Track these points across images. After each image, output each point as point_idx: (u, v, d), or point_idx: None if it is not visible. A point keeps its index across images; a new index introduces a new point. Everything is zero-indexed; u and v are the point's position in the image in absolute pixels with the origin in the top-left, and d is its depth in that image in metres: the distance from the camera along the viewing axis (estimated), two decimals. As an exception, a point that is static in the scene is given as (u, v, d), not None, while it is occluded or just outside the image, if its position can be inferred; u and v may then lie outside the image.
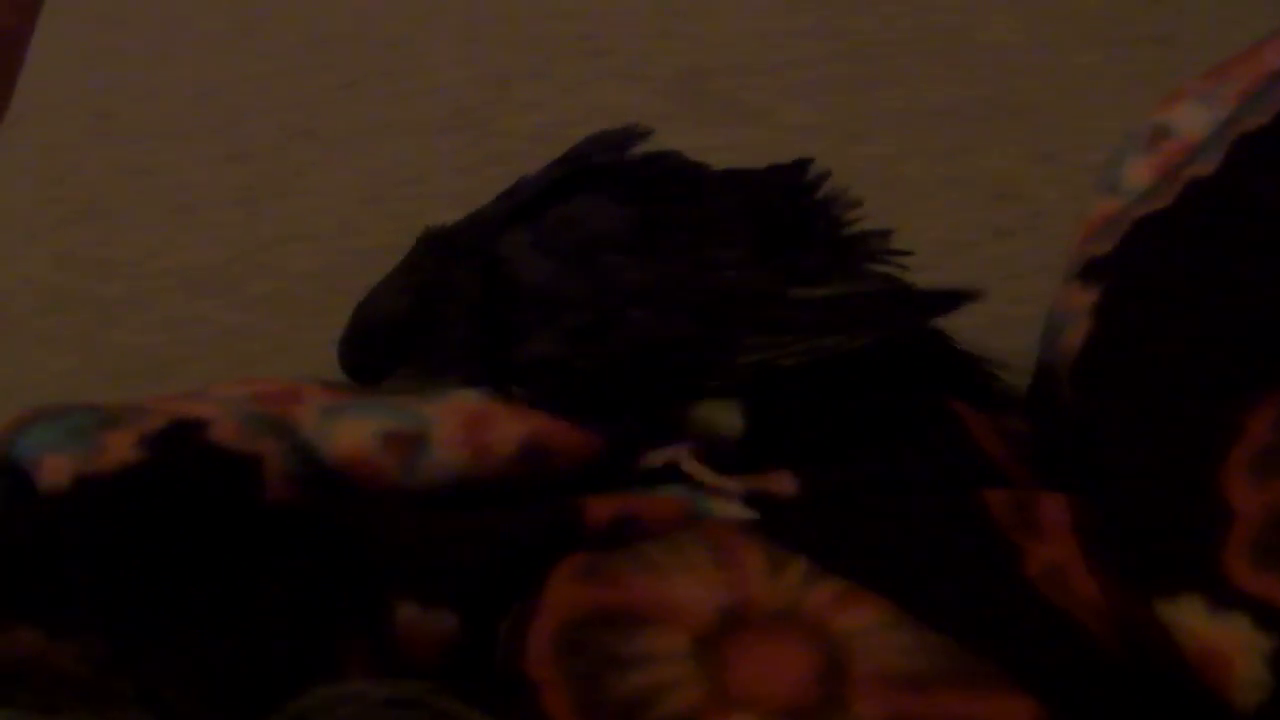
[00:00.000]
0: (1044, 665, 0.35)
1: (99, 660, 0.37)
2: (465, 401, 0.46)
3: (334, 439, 0.43)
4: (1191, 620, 0.36)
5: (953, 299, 0.48)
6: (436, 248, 0.51)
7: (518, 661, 0.35)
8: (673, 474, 0.45)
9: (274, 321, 0.61)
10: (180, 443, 0.42)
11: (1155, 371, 0.43)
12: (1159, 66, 0.66)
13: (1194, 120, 0.53)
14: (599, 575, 0.36)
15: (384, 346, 0.50)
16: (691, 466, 0.43)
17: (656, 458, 0.45)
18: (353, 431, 0.43)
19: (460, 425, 0.44)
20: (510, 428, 0.44)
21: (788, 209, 0.50)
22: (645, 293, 0.47)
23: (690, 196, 0.50)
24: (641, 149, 0.52)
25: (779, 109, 0.66)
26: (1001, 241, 0.61)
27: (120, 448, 0.41)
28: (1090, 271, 0.49)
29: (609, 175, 0.50)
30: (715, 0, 0.71)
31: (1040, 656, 0.35)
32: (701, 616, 0.35)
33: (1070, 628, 0.38)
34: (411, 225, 0.62)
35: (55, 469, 0.40)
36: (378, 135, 0.67)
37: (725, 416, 0.47)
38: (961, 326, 0.52)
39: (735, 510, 0.42)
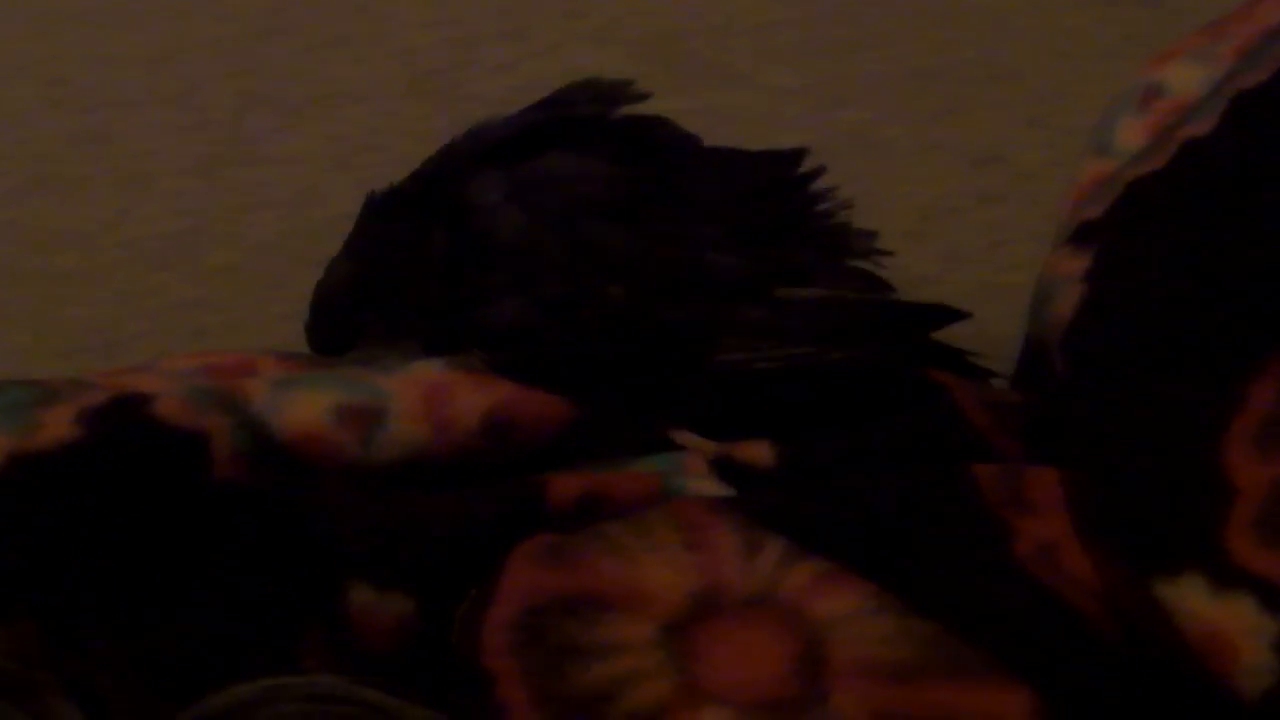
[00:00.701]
0: (1037, 652, 0.33)
1: (30, 649, 0.35)
2: (425, 373, 0.43)
3: (286, 414, 0.41)
4: (1192, 601, 0.34)
5: (939, 316, 0.46)
6: (385, 207, 0.49)
7: (472, 651, 0.33)
8: (646, 446, 0.42)
9: (233, 294, 0.58)
10: (121, 419, 0.39)
11: (1151, 340, 0.41)
12: (1148, 28, 0.65)
13: (1188, 79, 0.51)
14: (560, 558, 0.34)
15: (338, 320, 0.48)
16: (682, 436, 0.41)
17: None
18: (306, 406, 0.41)
19: (420, 398, 0.42)
20: (472, 400, 0.42)
21: (777, 199, 0.48)
22: (625, 267, 0.45)
23: (679, 169, 0.48)
24: (631, 110, 0.50)
25: (759, 72, 0.64)
26: (987, 207, 0.60)
27: (57, 425, 0.39)
28: (1081, 236, 0.47)
29: (595, 131, 0.48)
30: (692, -40, 0.69)
31: (1033, 643, 0.33)
32: (670, 602, 0.32)
33: (1063, 610, 0.36)
34: (375, 193, 0.60)
35: (-11, 447, 0.38)
36: (339, 101, 0.64)
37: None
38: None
39: (710, 487, 0.40)
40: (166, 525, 0.39)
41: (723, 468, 0.41)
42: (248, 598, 0.38)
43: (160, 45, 0.67)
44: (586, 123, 0.49)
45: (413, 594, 0.37)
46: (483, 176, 0.47)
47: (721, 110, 0.62)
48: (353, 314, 0.48)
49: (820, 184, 0.49)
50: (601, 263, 0.45)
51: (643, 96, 0.50)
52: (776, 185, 0.49)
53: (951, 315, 0.47)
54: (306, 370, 0.45)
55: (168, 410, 0.40)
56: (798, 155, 0.50)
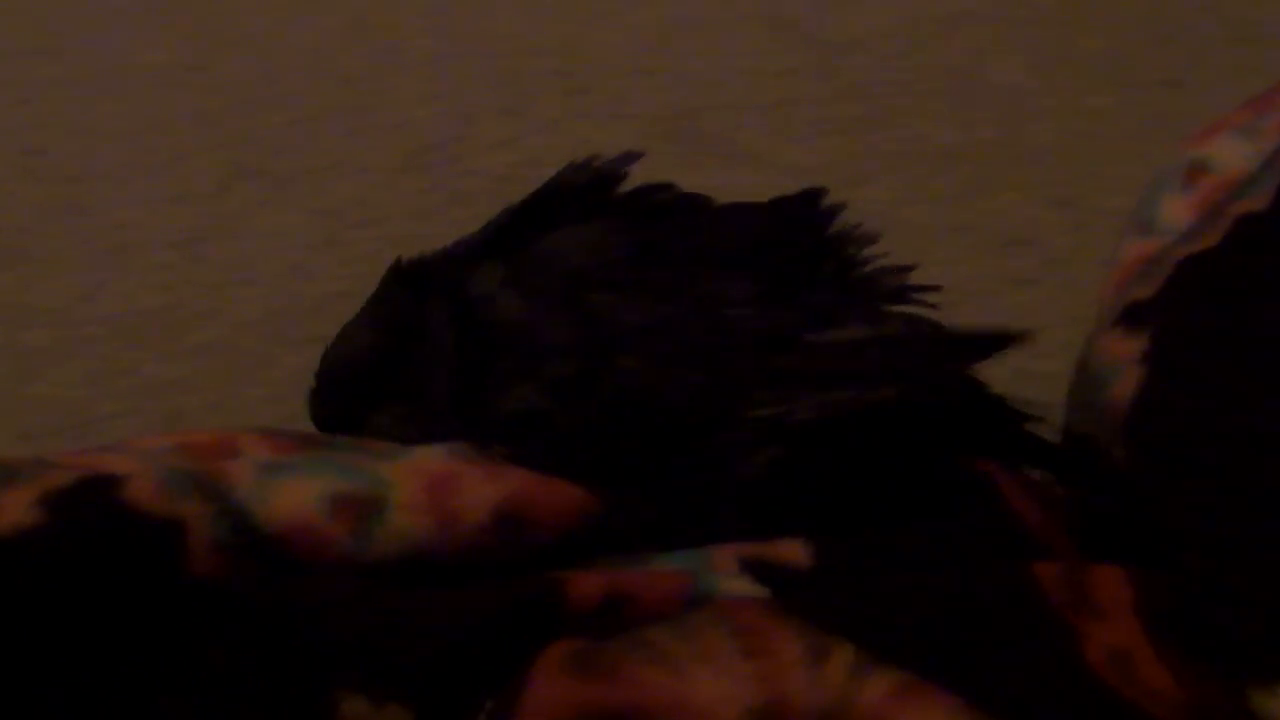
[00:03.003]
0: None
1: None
2: (429, 461, 0.39)
3: (272, 502, 0.37)
4: None
5: (994, 342, 0.42)
6: (406, 281, 0.45)
7: (493, 775, 0.28)
8: (672, 540, 0.38)
9: (212, 374, 0.55)
10: (87, 504, 0.35)
11: (1226, 425, 0.37)
12: (1171, 110, 0.63)
13: (1234, 154, 0.49)
14: (594, 668, 0.30)
15: (353, 391, 0.45)
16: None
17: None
18: (295, 494, 0.37)
19: (423, 488, 0.38)
20: (482, 491, 0.38)
21: (797, 243, 0.44)
22: (638, 337, 0.41)
23: (688, 228, 0.44)
24: (633, 182, 0.46)
25: (773, 150, 0.61)
26: (1019, 291, 0.57)
27: (15, 508, 0.35)
28: (1133, 316, 0.44)
29: (595, 205, 0.45)
30: (702, 37, 0.67)
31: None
32: (728, 718, 0.28)
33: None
34: (367, 270, 0.57)
35: (-62, 533, 0.34)
36: (332, 174, 0.61)
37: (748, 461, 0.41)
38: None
39: (743, 587, 0.36)
40: (136, 626, 0.35)
41: (755, 568, 0.37)
42: (225, 708, 0.34)
43: (145, 116, 0.65)
44: (585, 200, 0.45)
45: (412, 707, 0.32)
46: (482, 268, 0.43)
47: (735, 190, 0.59)
48: (368, 386, 0.44)
49: (841, 223, 0.46)
50: (609, 335, 0.42)
51: (637, 156, 0.46)
52: (795, 229, 0.46)
53: (1004, 340, 0.41)
54: (296, 452, 0.41)
55: (140, 495, 0.36)
56: (815, 195, 0.46)
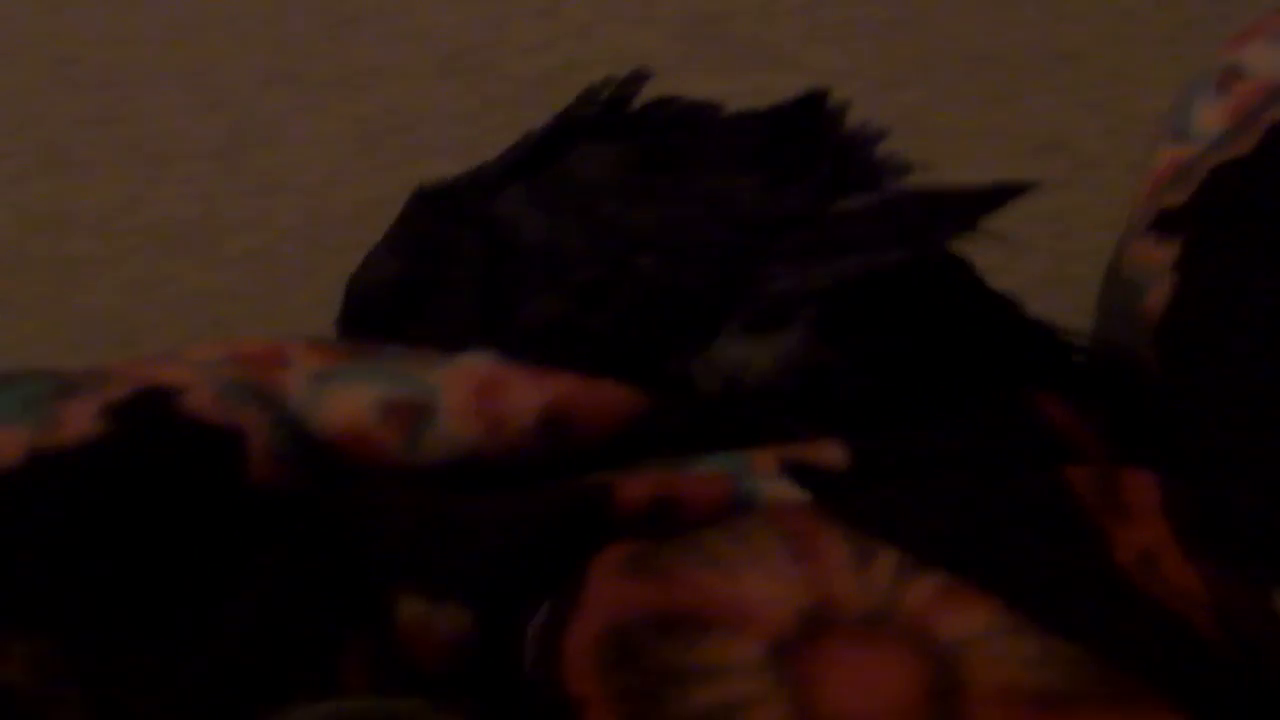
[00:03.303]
0: (1171, 672, 0.30)
1: (51, 664, 0.32)
2: (477, 366, 0.40)
3: (326, 410, 0.38)
4: None
5: (996, 196, 0.41)
6: (431, 205, 0.46)
7: (554, 673, 0.30)
8: (713, 439, 0.39)
9: (254, 282, 0.56)
10: (149, 414, 0.36)
11: (1258, 331, 0.38)
12: (1209, 11, 0.62)
13: (1270, 60, 0.49)
14: (650, 570, 0.31)
15: (381, 316, 0.46)
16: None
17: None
18: (348, 401, 0.38)
19: (471, 393, 0.39)
20: (528, 395, 0.39)
21: (801, 142, 0.44)
22: (651, 237, 0.42)
23: (695, 136, 0.45)
24: (660, 88, 0.47)
25: (804, 53, 0.61)
26: (1049, 196, 0.56)
27: (79, 419, 0.36)
28: (1166, 224, 0.44)
29: (607, 124, 0.45)
30: (733, -63, 0.66)
31: (1166, 661, 0.30)
32: (778, 620, 0.29)
33: (1176, 625, 0.33)
34: (404, 176, 0.57)
35: (6, 443, 0.35)
36: (367, 80, 0.61)
37: (758, 352, 0.42)
38: (1010, 287, 0.47)
39: (783, 489, 0.37)
40: (198, 530, 0.36)
41: (794, 470, 0.38)
42: (285, 609, 0.35)
43: (176, 21, 0.64)
44: (598, 119, 0.46)
45: (469, 606, 0.34)
46: (506, 192, 0.44)
47: (767, 93, 0.59)
48: (395, 314, 0.45)
49: (853, 123, 0.46)
50: (625, 240, 0.43)
51: (648, 77, 0.47)
52: (804, 128, 0.46)
53: (1010, 191, 0.41)
54: (345, 361, 0.42)
55: (199, 405, 0.37)
56: (819, 97, 0.46)
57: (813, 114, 0.46)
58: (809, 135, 0.45)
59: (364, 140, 0.60)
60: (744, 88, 0.60)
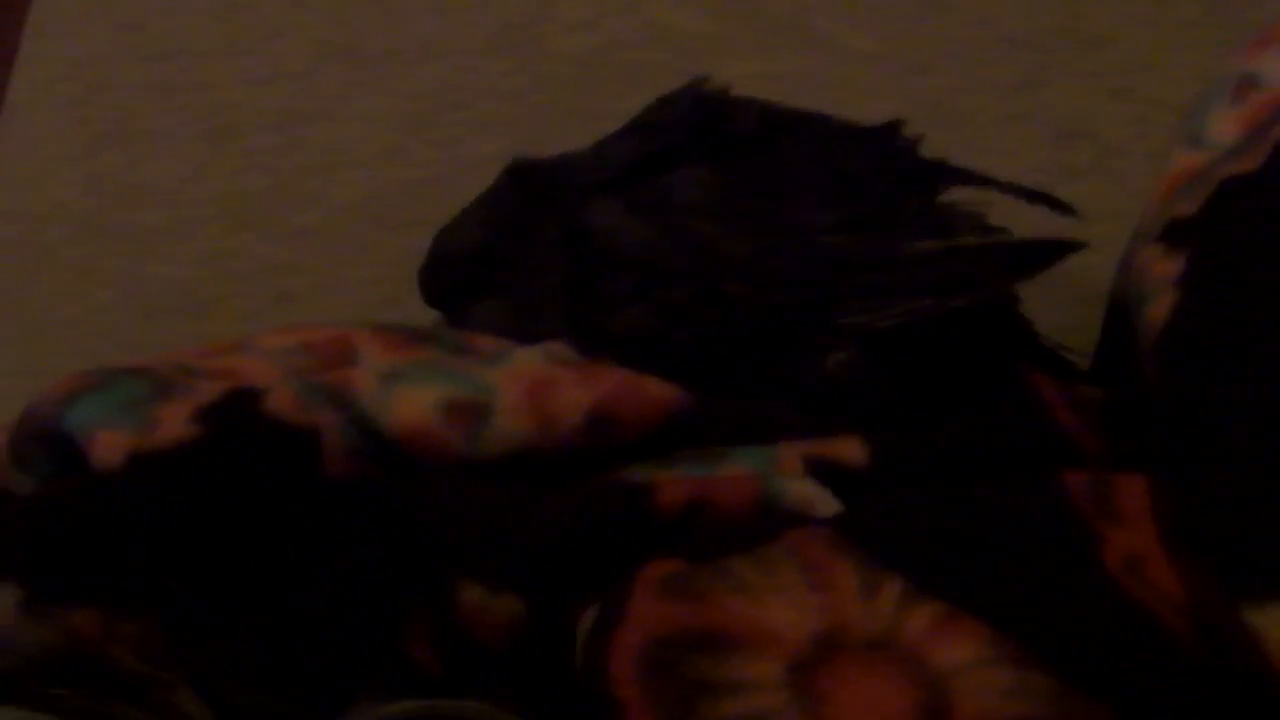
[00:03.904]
0: (1133, 680, 0.34)
1: (155, 647, 0.36)
2: (529, 366, 0.44)
3: (394, 409, 0.42)
4: None
5: (1056, 250, 0.47)
6: (521, 183, 0.50)
7: (600, 677, 0.34)
8: (746, 433, 0.43)
9: (316, 257, 0.59)
10: (237, 416, 0.40)
11: (1247, 354, 0.41)
12: (1238, -3, 0.63)
13: (1283, 70, 0.50)
14: (687, 592, 0.35)
15: (461, 278, 0.50)
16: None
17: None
18: (413, 401, 0.42)
19: (524, 393, 0.43)
20: (576, 395, 0.43)
21: (882, 176, 0.48)
22: (742, 265, 0.46)
23: (780, 160, 0.48)
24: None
25: (838, 34, 0.63)
26: (1071, 182, 0.59)
27: (174, 422, 0.40)
28: (1174, 234, 0.47)
29: (692, 140, 0.49)
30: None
31: (1127, 669, 0.34)
32: (795, 642, 0.34)
33: (1151, 627, 0.37)
34: (457, 154, 0.60)
35: (109, 445, 0.39)
36: (418, 56, 0.64)
37: (813, 366, 0.46)
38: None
39: (807, 489, 0.41)
40: (282, 522, 0.40)
41: (816, 467, 0.42)
42: (360, 595, 0.39)
43: (233, -8, 0.67)
44: (683, 133, 0.49)
45: (523, 597, 0.38)
46: (597, 202, 0.48)
47: (801, 75, 0.62)
48: (475, 277, 0.49)
49: (925, 153, 0.50)
50: (717, 263, 0.46)
51: (726, 90, 0.50)
52: (881, 164, 0.49)
53: (1066, 248, 0.47)
54: (407, 353, 0.45)
55: (281, 406, 0.41)
56: (895, 127, 0.50)
57: (890, 143, 0.50)
58: (885, 166, 0.49)
59: (418, 117, 0.62)
60: (782, 68, 0.63)
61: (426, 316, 0.51)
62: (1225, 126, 0.50)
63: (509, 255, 0.49)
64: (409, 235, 0.54)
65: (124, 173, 0.62)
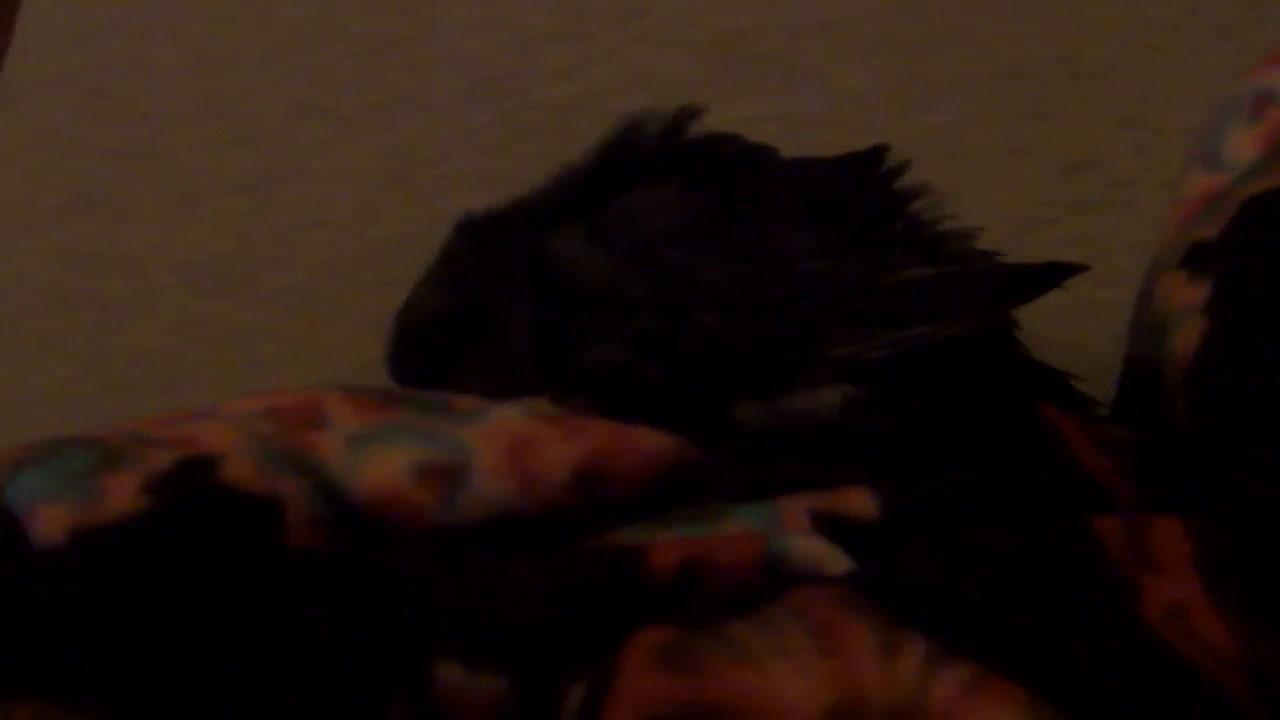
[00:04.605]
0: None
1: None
2: (508, 423, 0.41)
3: (363, 474, 0.38)
4: None
5: (1055, 274, 0.43)
6: (477, 237, 0.47)
7: (589, 762, 0.30)
8: (749, 488, 0.40)
9: (290, 320, 0.56)
10: (190, 486, 0.37)
11: (1289, 382, 0.38)
12: (1240, 19, 0.61)
13: (1304, 84, 0.48)
14: (682, 664, 0.31)
15: (430, 350, 0.47)
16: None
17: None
18: (383, 465, 0.39)
19: (504, 452, 0.40)
20: (561, 451, 0.40)
21: (862, 201, 0.45)
22: (715, 293, 0.42)
23: (757, 185, 0.45)
24: (697, 127, 0.47)
25: (832, 73, 0.61)
26: (1081, 217, 0.56)
27: (122, 493, 0.36)
28: (1196, 259, 0.44)
29: (664, 162, 0.45)
30: (758, -46, 0.65)
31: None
32: (808, 715, 0.30)
33: (1202, 684, 0.33)
34: (435, 210, 0.57)
35: (50, 521, 0.36)
36: (395, 110, 0.61)
37: (807, 406, 0.42)
38: (1041, 312, 0.47)
39: (814, 546, 0.37)
40: (241, 599, 0.36)
41: (825, 523, 0.38)
42: (328, 674, 0.36)
43: (205, 54, 0.65)
44: (654, 155, 0.46)
45: (506, 675, 0.34)
46: (561, 230, 0.45)
47: (794, 115, 0.59)
48: (444, 348, 0.46)
49: (908, 181, 0.47)
50: (690, 292, 0.43)
51: (699, 112, 0.47)
52: (863, 190, 0.47)
53: (1065, 271, 0.43)
54: (379, 415, 0.42)
55: (239, 474, 0.38)
56: (879, 153, 0.47)
57: (872, 170, 0.47)
58: (868, 193, 0.46)
59: (394, 173, 0.60)
60: (772, 110, 0.60)
61: (405, 378, 0.48)
62: (1244, 145, 0.47)
63: (475, 313, 0.46)
64: (386, 294, 0.52)
65: (90, 241, 0.59)
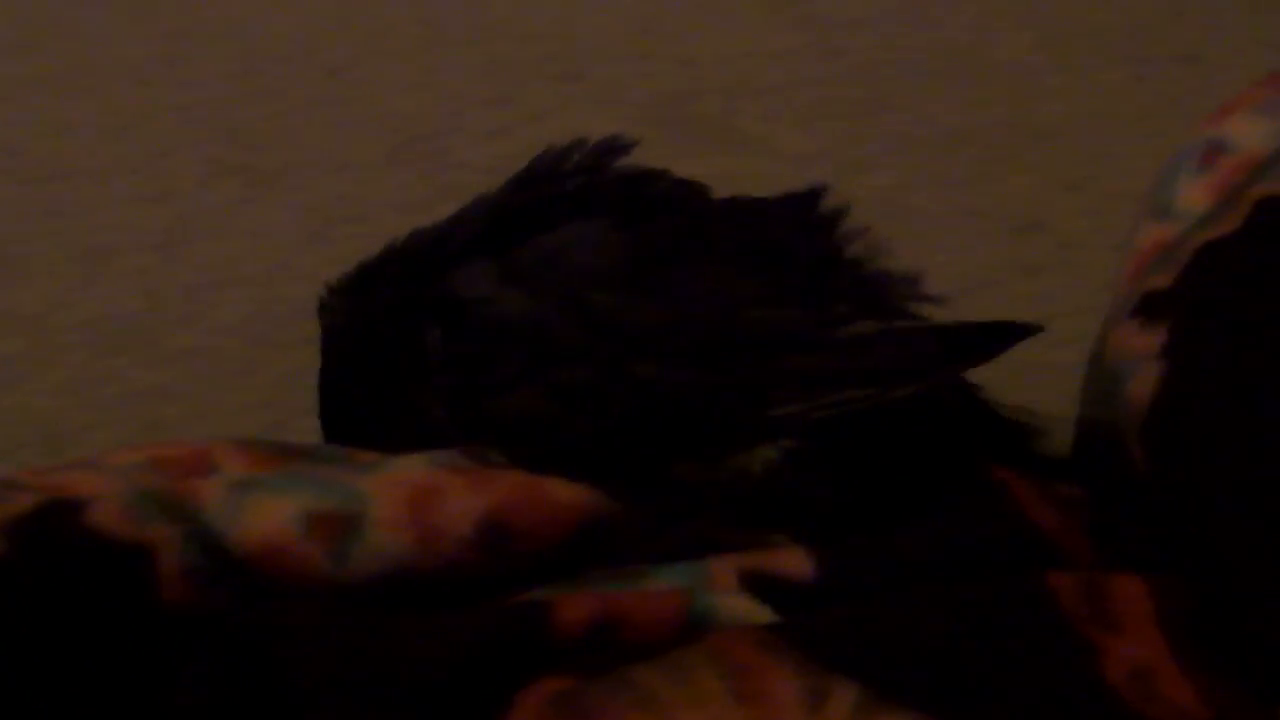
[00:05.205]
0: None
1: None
2: (410, 472, 0.37)
3: (244, 523, 0.35)
4: None
5: (1006, 335, 0.41)
6: (354, 305, 0.44)
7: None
8: (673, 547, 0.37)
9: (193, 381, 0.53)
10: (49, 531, 0.33)
11: (1252, 425, 0.35)
12: (1187, 86, 0.60)
13: (1254, 133, 0.47)
14: (576, 713, 0.28)
15: (350, 406, 0.44)
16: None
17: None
18: (268, 514, 0.35)
19: (403, 502, 0.36)
20: (465, 503, 0.36)
21: (804, 245, 0.43)
22: (649, 341, 0.39)
23: (690, 225, 0.42)
24: (623, 166, 0.45)
25: (772, 135, 0.59)
26: (1029, 279, 0.54)
27: (-26, 538, 0.33)
28: (1150, 308, 0.42)
29: (587, 198, 0.43)
30: (697, 19, 0.64)
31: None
32: None
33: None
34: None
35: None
36: (316, 169, 0.59)
37: (746, 464, 0.40)
38: (990, 374, 0.45)
39: (743, 606, 0.34)
40: (104, 656, 0.33)
41: (756, 582, 0.35)
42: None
43: (122, 112, 0.62)
44: (576, 192, 0.44)
45: (392, 742, 0.30)
46: (469, 267, 0.42)
47: (734, 177, 0.57)
48: (366, 424, 0.43)
49: (846, 223, 0.45)
50: (622, 339, 0.40)
51: (629, 147, 0.45)
52: (802, 232, 0.44)
53: (1019, 332, 0.41)
54: (272, 465, 0.39)
55: (104, 519, 0.34)
56: (816, 195, 0.45)
57: (811, 211, 0.45)
58: (807, 235, 0.44)
59: (313, 231, 0.57)
60: (711, 171, 0.58)
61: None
62: (1195, 194, 0.46)
63: (389, 370, 0.43)
64: (296, 355, 0.49)
65: (-14, 301, 0.56)
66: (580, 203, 0.43)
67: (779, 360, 0.40)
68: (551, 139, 0.58)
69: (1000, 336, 0.41)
